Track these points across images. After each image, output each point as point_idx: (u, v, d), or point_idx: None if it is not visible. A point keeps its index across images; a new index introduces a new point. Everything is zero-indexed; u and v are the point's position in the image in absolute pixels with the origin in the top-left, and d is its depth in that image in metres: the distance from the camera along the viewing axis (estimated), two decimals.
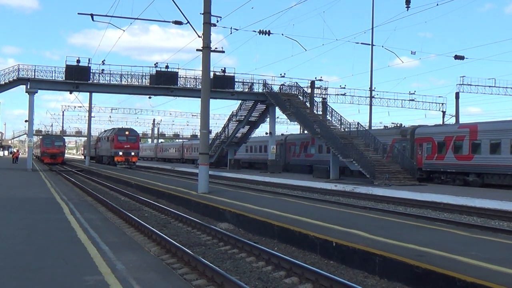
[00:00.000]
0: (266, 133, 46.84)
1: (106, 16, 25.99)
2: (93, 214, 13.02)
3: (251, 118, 45.47)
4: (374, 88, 47.87)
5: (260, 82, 42.55)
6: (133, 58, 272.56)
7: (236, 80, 41.76)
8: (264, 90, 42.21)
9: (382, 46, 41.82)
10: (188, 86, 40.66)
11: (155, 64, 40.34)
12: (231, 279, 7.25)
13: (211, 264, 8.12)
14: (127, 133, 55.74)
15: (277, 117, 50.55)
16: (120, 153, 53.37)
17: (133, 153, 54.46)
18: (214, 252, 10.12)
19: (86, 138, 69.54)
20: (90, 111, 58.61)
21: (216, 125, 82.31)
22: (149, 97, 47.76)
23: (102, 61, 39.39)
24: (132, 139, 55.02)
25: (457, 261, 7.50)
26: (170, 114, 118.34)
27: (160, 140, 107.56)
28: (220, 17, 23.47)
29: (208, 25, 19.09)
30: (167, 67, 40.19)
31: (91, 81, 38.83)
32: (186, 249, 9.26)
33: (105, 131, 69.72)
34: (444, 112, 57.19)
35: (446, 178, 30.14)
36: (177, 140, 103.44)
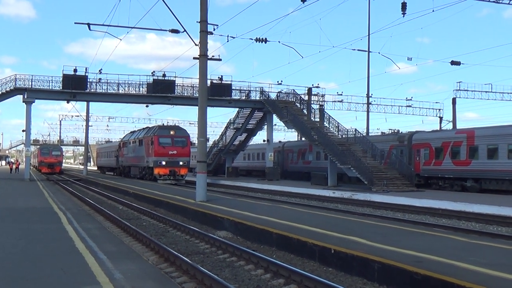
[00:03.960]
0: (264, 141, 46.79)
1: (103, 25, 26.11)
2: (91, 223, 12.99)
3: (248, 126, 45.55)
4: (371, 94, 47.92)
5: (257, 89, 42.63)
6: (130, 67, 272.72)
7: (233, 88, 41.75)
8: (261, 98, 42.28)
9: (379, 53, 41.86)
10: (186, 94, 40.61)
11: (152, 73, 40.23)
12: (230, 287, 7.24)
13: (209, 273, 8.09)
14: (172, 132, 39.47)
15: (275, 125, 50.62)
16: (163, 163, 37.90)
17: (181, 163, 38.71)
18: (212, 260, 10.10)
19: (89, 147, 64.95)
20: (87, 120, 58.68)
21: (214, 133, 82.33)
22: (147, 106, 47.65)
23: (99, 70, 39.30)
24: (180, 142, 39.26)
25: (455, 266, 7.50)
26: (168, 122, 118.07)
27: None
28: (217, 25, 23.42)
29: (204, 33, 19.14)
30: (164, 75, 40.10)
31: (88, 90, 38.73)
32: (184, 258, 9.24)
33: (132, 132, 52.78)
34: (441, 118, 57.32)
35: (444, 183, 30.16)
36: None
